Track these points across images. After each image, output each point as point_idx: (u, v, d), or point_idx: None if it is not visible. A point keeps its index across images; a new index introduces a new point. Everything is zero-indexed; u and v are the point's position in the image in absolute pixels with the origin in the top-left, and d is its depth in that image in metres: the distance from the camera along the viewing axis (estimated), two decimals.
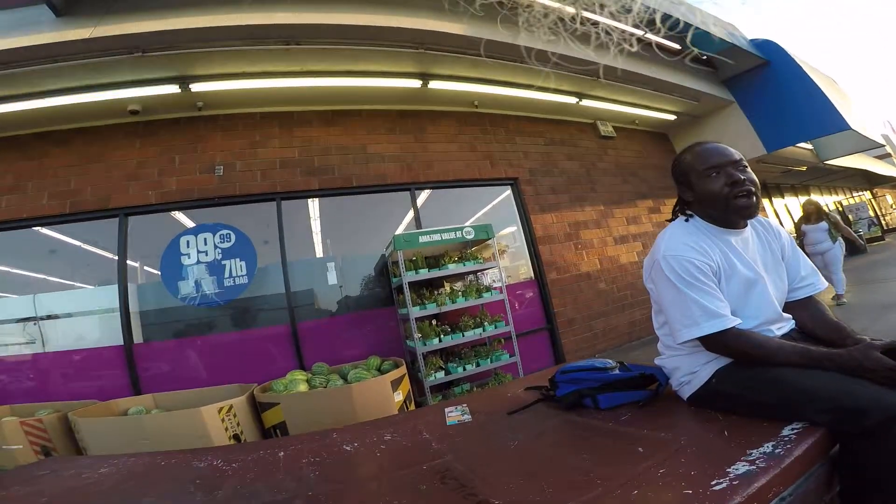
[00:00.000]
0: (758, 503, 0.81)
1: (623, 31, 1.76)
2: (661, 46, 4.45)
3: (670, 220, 1.51)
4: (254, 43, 3.75)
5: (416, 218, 4.95)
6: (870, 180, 19.66)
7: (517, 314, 4.96)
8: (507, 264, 5.46)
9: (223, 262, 4.13)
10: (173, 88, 3.93)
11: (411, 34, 4.07)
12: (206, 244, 4.13)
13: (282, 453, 1.73)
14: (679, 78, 6.25)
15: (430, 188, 5.19)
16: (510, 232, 5.64)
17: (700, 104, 7.04)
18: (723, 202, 1.34)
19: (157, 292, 4.03)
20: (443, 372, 3.80)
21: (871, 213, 18.46)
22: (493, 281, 4.70)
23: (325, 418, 2.82)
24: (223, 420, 2.90)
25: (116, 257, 3.96)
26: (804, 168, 10.91)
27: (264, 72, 4.12)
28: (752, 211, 1.33)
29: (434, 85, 4.81)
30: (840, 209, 17.24)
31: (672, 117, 7.34)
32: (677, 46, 4.59)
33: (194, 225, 4.22)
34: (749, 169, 1.37)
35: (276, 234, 4.36)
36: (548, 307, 5.31)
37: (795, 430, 1.03)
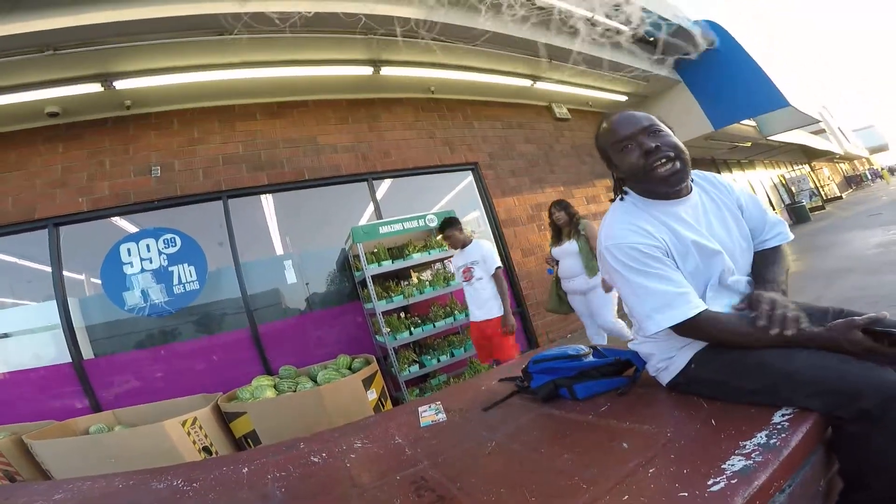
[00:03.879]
0: (760, 501, 0.76)
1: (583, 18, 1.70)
2: (612, 29, 4.47)
3: (612, 201, 1.39)
4: (183, 35, 3.43)
5: (377, 209, 4.81)
6: (808, 154, 20.99)
7: None
8: None
9: (170, 269, 3.87)
10: (95, 87, 3.60)
11: (359, 19, 3.77)
12: (149, 251, 3.86)
13: (245, 469, 1.63)
14: (628, 59, 6.28)
15: (388, 177, 5.05)
16: (474, 217, 5.59)
17: (649, 84, 7.17)
18: (643, 175, 1.21)
19: (101, 305, 3.77)
20: (417, 365, 3.73)
21: (812, 185, 19.76)
22: None
23: (297, 424, 2.72)
24: (189, 433, 2.78)
25: (51, 270, 3.66)
26: (749, 144, 11.50)
27: (197, 65, 3.81)
28: (677, 177, 1.19)
29: (387, 71, 4.62)
30: (783, 181, 18.20)
31: (623, 98, 7.46)
32: (626, 28, 4.62)
33: (135, 230, 3.92)
34: (664, 131, 1.23)
35: (226, 235, 4.13)
36: (516, 290, 5.31)
37: (787, 417, 0.98)
